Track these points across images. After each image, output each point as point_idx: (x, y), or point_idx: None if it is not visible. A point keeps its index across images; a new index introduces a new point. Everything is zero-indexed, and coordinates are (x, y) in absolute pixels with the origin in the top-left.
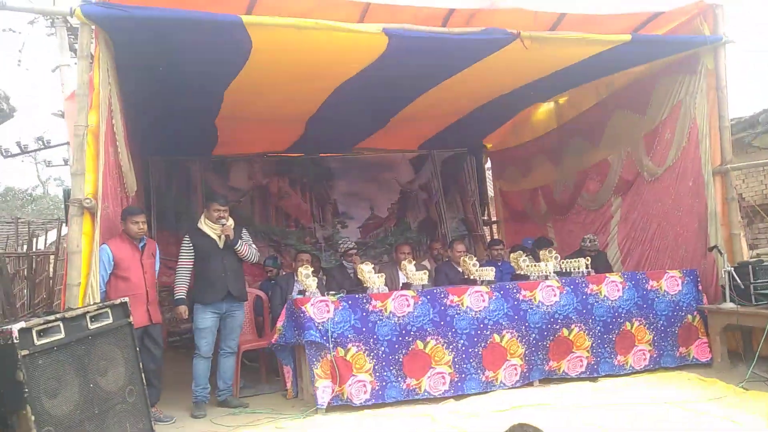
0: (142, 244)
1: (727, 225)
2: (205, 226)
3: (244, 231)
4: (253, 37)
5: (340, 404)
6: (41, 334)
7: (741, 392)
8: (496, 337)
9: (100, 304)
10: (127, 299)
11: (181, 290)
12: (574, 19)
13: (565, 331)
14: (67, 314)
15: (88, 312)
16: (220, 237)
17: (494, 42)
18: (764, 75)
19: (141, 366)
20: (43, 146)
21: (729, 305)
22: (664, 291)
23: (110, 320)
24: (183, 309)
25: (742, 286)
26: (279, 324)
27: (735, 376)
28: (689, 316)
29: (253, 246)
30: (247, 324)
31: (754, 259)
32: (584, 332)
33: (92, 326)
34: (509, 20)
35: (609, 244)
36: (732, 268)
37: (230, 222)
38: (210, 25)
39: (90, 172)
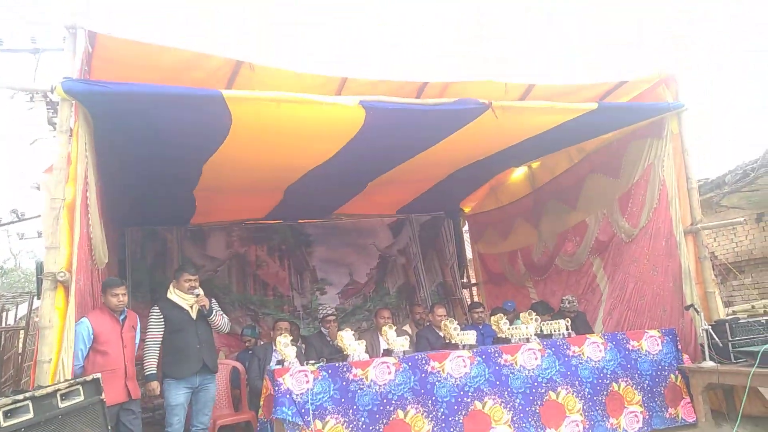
0: (122, 317)
1: (701, 283)
2: (176, 296)
3: (213, 301)
4: (233, 112)
5: None
6: (8, 414)
7: None
8: (478, 404)
9: (71, 381)
10: (99, 375)
11: (152, 365)
12: (542, 90)
13: (552, 395)
14: (37, 393)
15: (58, 390)
16: (192, 307)
17: (467, 112)
18: (725, 138)
19: None
20: (17, 219)
21: (709, 364)
22: (646, 351)
23: (81, 398)
24: (155, 385)
25: (721, 344)
26: None
27: None
28: (672, 376)
29: (225, 316)
30: (224, 397)
31: (731, 317)
32: (572, 395)
33: (63, 405)
34: (481, 92)
35: (602, 304)
36: (709, 327)
37: (200, 291)
38: (190, 100)
39: (65, 245)
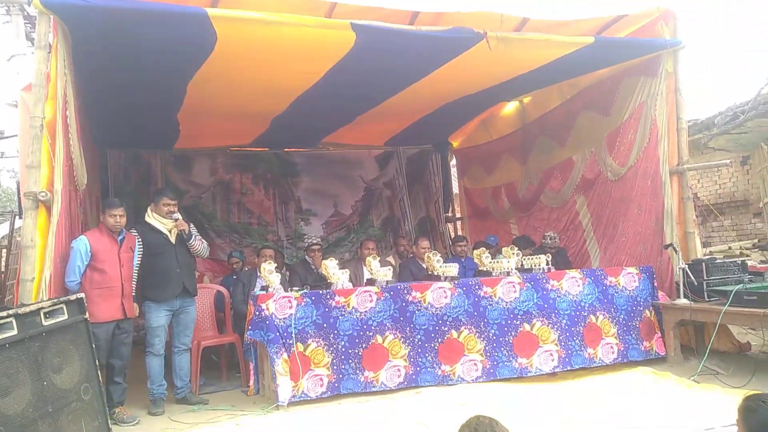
0: (121, 237)
1: (682, 223)
2: (154, 220)
3: (191, 226)
4: (219, 30)
5: (300, 400)
6: None
7: (692, 384)
8: (454, 333)
9: (55, 300)
10: (83, 295)
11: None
12: (538, 23)
13: (527, 326)
14: (21, 310)
15: (42, 308)
16: (171, 231)
17: (461, 41)
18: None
19: (97, 363)
20: None
21: (683, 301)
22: (623, 287)
23: (65, 316)
24: (135, 307)
25: (696, 283)
26: None
27: (687, 369)
28: (647, 311)
29: (204, 241)
30: (208, 319)
31: (707, 257)
32: (548, 326)
33: (46, 322)
34: (475, 22)
35: (587, 240)
36: (686, 265)
37: (179, 216)
38: (174, 17)
39: (45, 165)
